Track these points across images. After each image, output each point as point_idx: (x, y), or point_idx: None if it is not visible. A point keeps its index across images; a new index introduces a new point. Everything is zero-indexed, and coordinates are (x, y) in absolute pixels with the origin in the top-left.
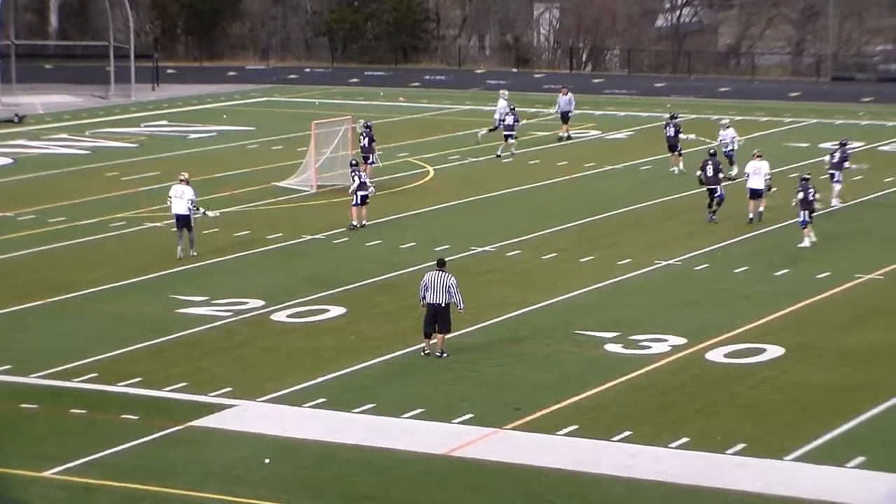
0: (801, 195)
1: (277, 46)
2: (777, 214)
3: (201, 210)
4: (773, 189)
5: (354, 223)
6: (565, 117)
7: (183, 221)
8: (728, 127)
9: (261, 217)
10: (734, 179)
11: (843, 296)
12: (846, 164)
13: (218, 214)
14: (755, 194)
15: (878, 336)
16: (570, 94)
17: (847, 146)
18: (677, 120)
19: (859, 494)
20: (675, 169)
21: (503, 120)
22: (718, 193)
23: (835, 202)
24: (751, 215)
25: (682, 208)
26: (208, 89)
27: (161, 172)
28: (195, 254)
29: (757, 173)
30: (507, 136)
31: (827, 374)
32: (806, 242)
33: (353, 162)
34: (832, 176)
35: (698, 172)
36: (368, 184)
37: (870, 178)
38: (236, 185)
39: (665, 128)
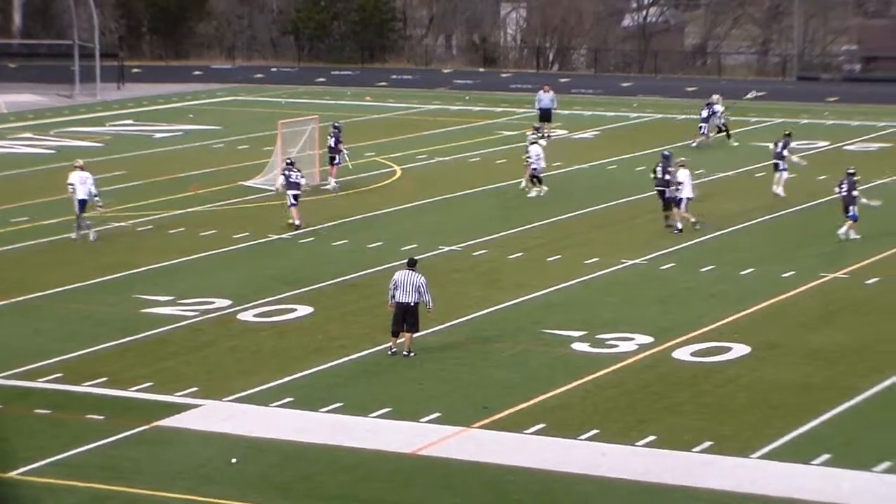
0: (844, 189)
1: (243, 45)
2: (742, 215)
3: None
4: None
5: (297, 223)
6: (546, 115)
7: (83, 206)
8: (718, 102)
9: (227, 216)
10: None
11: (809, 294)
12: (786, 154)
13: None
14: (676, 203)
15: (843, 334)
16: (552, 92)
17: (790, 138)
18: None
19: (825, 492)
20: (778, 189)
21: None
22: (667, 195)
23: (779, 191)
24: (678, 224)
25: (648, 207)
26: (174, 88)
27: (127, 172)
28: (94, 239)
29: (686, 182)
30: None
31: (792, 373)
32: (852, 234)
33: (289, 161)
34: (776, 166)
35: (651, 175)
36: (302, 182)
37: (835, 178)
38: (202, 185)
39: (775, 145)
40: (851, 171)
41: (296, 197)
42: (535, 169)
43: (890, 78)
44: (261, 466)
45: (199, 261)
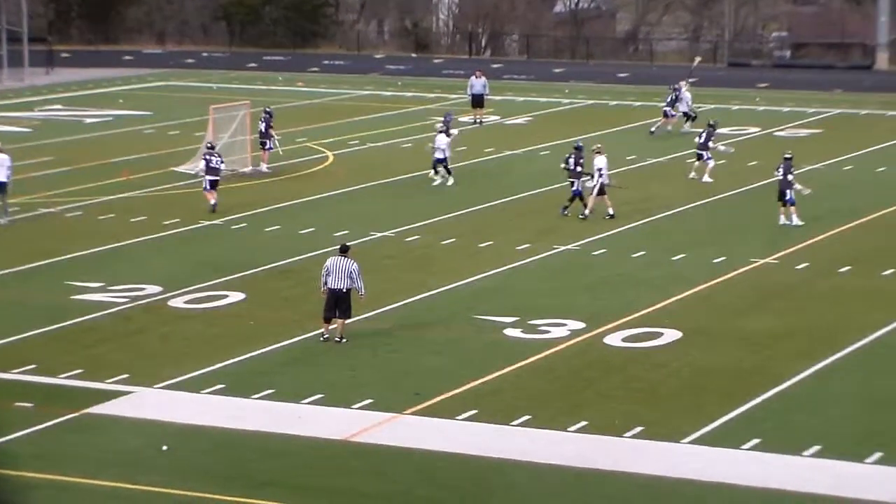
0: (780, 173)
1: (174, 30)
2: (673, 201)
3: None
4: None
5: (213, 203)
6: (479, 100)
7: (3, 189)
8: (686, 90)
9: (158, 202)
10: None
11: (739, 280)
12: (710, 144)
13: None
14: (601, 190)
15: (773, 320)
16: (483, 78)
17: (715, 128)
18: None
19: (755, 476)
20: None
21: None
22: (575, 188)
23: (705, 178)
24: (610, 210)
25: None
26: (104, 73)
27: (56, 158)
28: (4, 222)
29: (604, 168)
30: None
31: (723, 358)
32: (795, 220)
33: (210, 145)
34: (700, 156)
35: (562, 165)
36: (222, 168)
37: (767, 164)
38: (133, 171)
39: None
40: (788, 155)
41: (213, 183)
42: (440, 159)
43: (819, 64)
44: (192, 453)
45: (130, 247)
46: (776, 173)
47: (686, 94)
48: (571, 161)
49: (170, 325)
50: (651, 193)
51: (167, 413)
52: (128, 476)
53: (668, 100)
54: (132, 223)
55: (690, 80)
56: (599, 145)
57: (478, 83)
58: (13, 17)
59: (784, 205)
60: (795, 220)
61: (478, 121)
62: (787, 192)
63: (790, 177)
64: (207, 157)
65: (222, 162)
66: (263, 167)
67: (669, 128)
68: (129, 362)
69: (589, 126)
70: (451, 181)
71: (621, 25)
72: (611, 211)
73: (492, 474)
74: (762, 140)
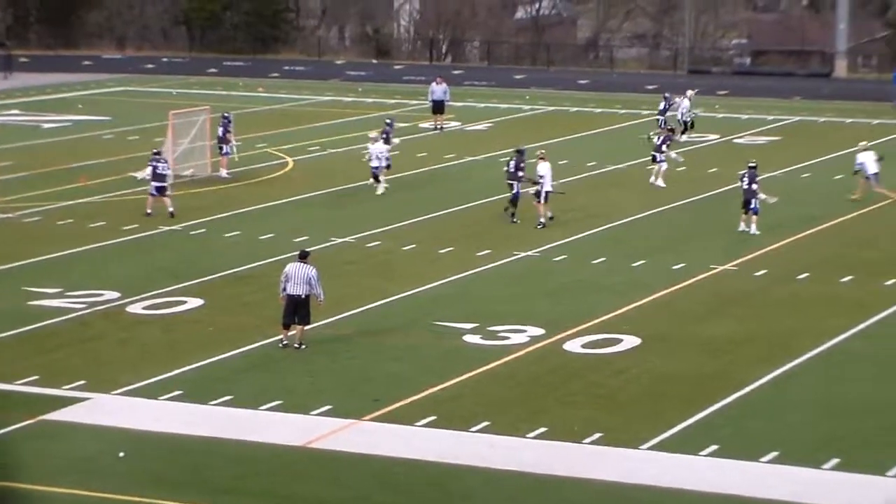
0: (745, 182)
1: (134, 35)
2: (633, 207)
3: None
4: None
5: (149, 211)
6: (440, 107)
7: None
8: (690, 100)
9: (116, 208)
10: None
11: (699, 286)
12: (664, 149)
13: None
14: (545, 197)
15: (732, 326)
16: (444, 84)
17: (672, 134)
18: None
19: (711, 482)
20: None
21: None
22: (515, 191)
23: (659, 182)
24: (541, 219)
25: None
26: (63, 78)
27: (14, 163)
28: None
29: (547, 175)
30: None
31: (682, 364)
32: (753, 229)
33: (156, 151)
34: (654, 157)
35: (504, 168)
36: (169, 174)
37: (726, 171)
38: (92, 176)
39: (741, 179)
40: (753, 164)
41: (160, 189)
42: (375, 168)
43: (779, 72)
44: (149, 460)
45: (88, 252)
46: (741, 182)
47: (685, 102)
48: (512, 164)
49: (128, 330)
50: (611, 200)
51: (124, 419)
52: (84, 483)
53: (661, 108)
54: (91, 228)
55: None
56: (543, 151)
57: (438, 89)
58: None
59: (747, 213)
60: (753, 229)
61: (438, 127)
62: (753, 200)
63: (755, 185)
64: (154, 163)
65: (168, 168)
66: (223, 172)
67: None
68: (87, 368)
69: (549, 132)
70: (380, 190)
71: (582, 32)
72: (542, 220)
73: (450, 480)
74: (722, 147)
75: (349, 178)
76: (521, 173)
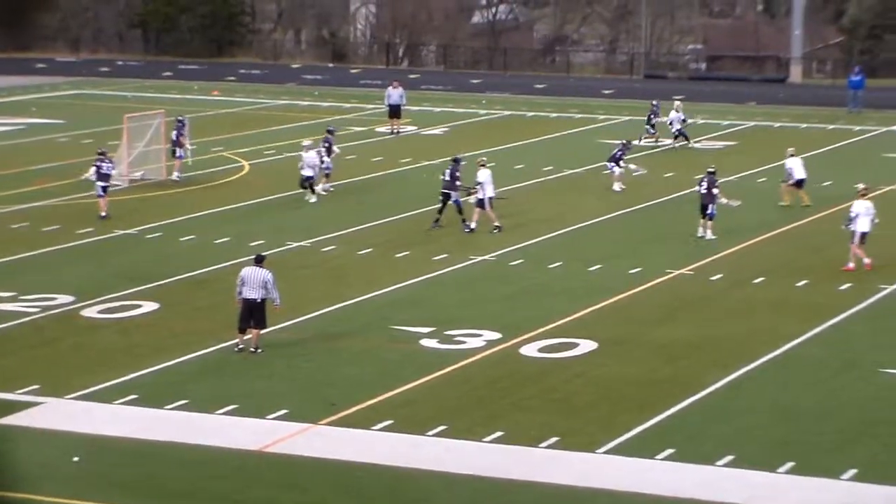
0: (704, 187)
1: (89, 38)
2: (590, 211)
3: None
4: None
5: (104, 214)
6: (396, 111)
7: None
8: (678, 111)
9: (71, 211)
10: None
11: (655, 291)
12: (622, 164)
13: None
14: (480, 203)
15: (688, 330)
16: (401, 88)
17: (628, 146)
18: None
19: (667, 485)
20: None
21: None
22: (453, 199)
23: (616, 187)
24: (472, 225)
25: (495, 203)
26: (16, 81)
27: None
28: None
29: (487, 181)
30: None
31: (638, 368)
32: (709, 234)
33: (101, 151)
34: (609, 167)
35: (441, 175)
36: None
37: (682, 176)
38: (46, 179)
39: (699, 184)
40: (712, 169)
41: (105, 189)
42: (308, 178)
43: (734, 77)
44: (104, 465)
45: (42, 256)
46: (699, 187)
47: (673, 113)
48: (447, 173)
49: (82, 335)
50: (568, 204)
51: (79, 424)
52: (37, 488)
53: (648, 116)
54: (45, 232)
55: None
56: (483, 158)
57: (395, 94)
58: None
59: (704, 218)
60: (709, 235)
61: (395, 131)
62: (710, 206)
63: (715, 190)
64: (98, 163)
65: (113, 168)
66: (174, 175)
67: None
68: (41, 373)
69: (506, 137)
70: (313, 199)
71: (539, 37)
72: (472, 225)
73: (407, 484)
74: (678, 152)
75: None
76: (458, 182)
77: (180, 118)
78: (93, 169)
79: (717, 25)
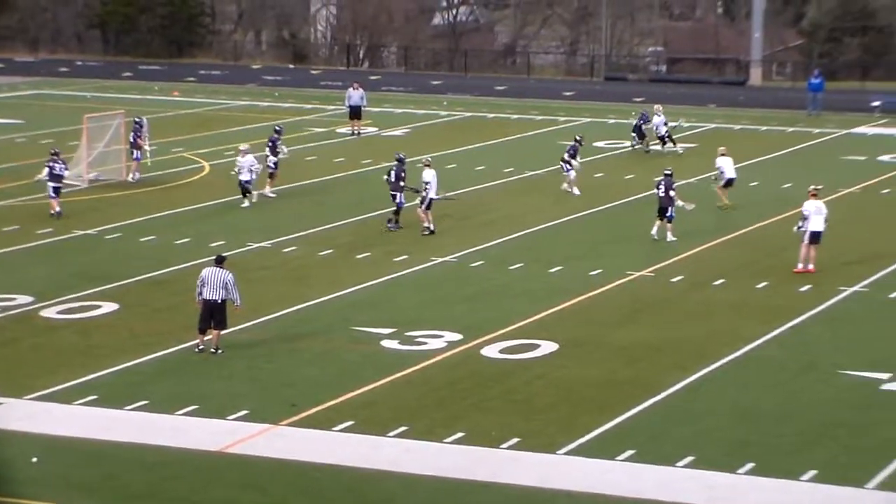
0: (661, 190)
1: (48, 38)
2: (551, 213)
3: None
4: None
5: (58, 210)
6: (356, 112)
7: None
8: (659, 115)
9: (30, 212)
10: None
11: (615, 292)
12: (575, 162)
13: None
14: (427, 204)
15: (648, 332)
16: (361, 90)
17: (579, 143)
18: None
19: (628, 486)
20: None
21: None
22: (398, 200)
23: (574, 189)
24: (427, 225)
25: (456, 205)
26: None
27: None
28: None
29: (432, 182)
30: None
31: (599, 370)
32: (669, 236)
33: (54, 152)
34: (563, 166)
35: (385, 176)
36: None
37: (642, 177)
38: (5, 180)
39: (657, 186)
40: (669, 171)
41: (56, 189)
42: (246, 182)
43: (695, 79)
44: (62, 466)
45: (1, 256)
46: (657, 190)
47: (656, 118)
48: (393, 174)
49: (42, 335)
50: (528, 206)
51: (38, 425)
52: None
53: (637, 125)
54: (3, 232)
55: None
56: (429, 159)
57: (355, 95)
58: None
59: (662, 220)
60: (670, 237)
61: (356, 132)
62: (669, 208)
63: (672, 193)
64: (51, 163)
65: (66, 168)
66: (131, 176)
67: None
68: (0, 373)
69: (467, 138)
70: (245, 203)
71: (499, 38)
72: (431, 227)
73: (368, 485)
74: (637, 154)
75: (265, 183)
76: (402, 182)
77: (138, 119)
78: (46, 170)
79: (677, 28)
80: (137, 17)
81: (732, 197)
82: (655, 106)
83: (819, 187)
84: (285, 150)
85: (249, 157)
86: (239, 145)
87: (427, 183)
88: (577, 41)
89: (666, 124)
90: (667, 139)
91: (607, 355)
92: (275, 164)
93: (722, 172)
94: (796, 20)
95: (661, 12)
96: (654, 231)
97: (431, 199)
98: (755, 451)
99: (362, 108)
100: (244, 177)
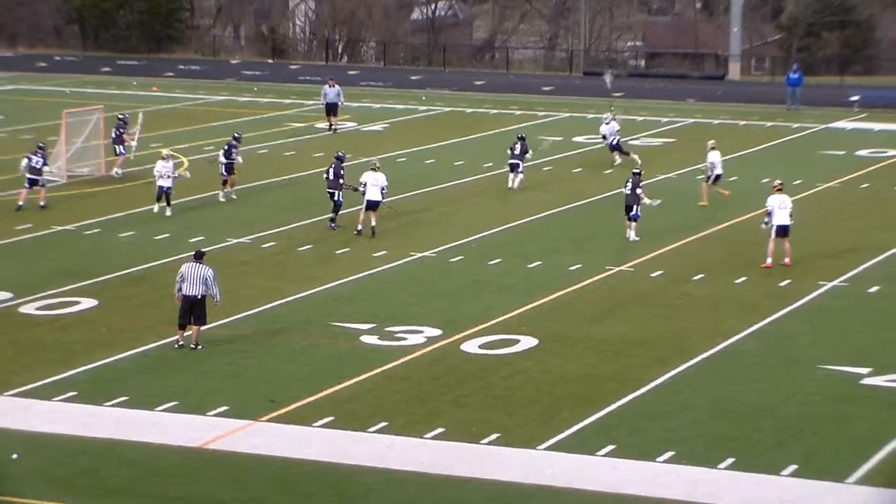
0: (629, 188)
1: (26, 33)
2: (530, 208)
3: None
4: (392, 208)
5: (21, 204)
6: (332, 108)
7: None
8: (610, 121)
9: (8, 207)
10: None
11: (595, 287)
12: (527, 155)
13: None
14: (371, 206)
15: (627, 327)
16: (337, 86)
17: (525, 141)
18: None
19: (608, 481)
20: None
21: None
22: (337, 198)
23: (515, 185)
24: (360, 227)
25: (436, 200)
26: None
27: None
28: None
29: (375, 184)
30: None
31: (578, 365)
32: (632, 235)
33: (40, 145)
34: (513, 167)
35: (324, 175)
36: (48, 170)
37: (621, 173)
38: None
39: (626, 184)
40: (637, 170)
41: (32, 182)
42: (167, 188)
43: (673, 74)
44: (42, 462)
45: None
46: (624, 189)
47: (604, 127)
48: (331, 172)
49: (20, 331)
50: (507, 201)
51: (18, 421)
52: None
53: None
54: None
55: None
56: (376, 162)
57: (331, 92)
58: None
59: (629, 219)
60: (632, 236)
61: (332, 128)
62: (635, 206)
63: (638, 191)
64: (30, 155)
65: (43, 163)
66: (115, 171)
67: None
68: None
69: (446, 133)
70: (168, 212)
71: (478, 33)
72: (360, 227)
73: (348, 481)
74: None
75: (245, 177)
76: (341, 180)
77: (121, 115)
78: (24, 161)
79: (655, 22)
80: (116, 13)
81: (687, 193)
82: (606, 115)
83: (782, 182)
84: (240, 159)
85: (169, 164)
86: (161, 150)
87: (364, 183)
88: (555, 36)
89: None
90: (614, 148)
91: (587, 350)
92: (227, 168)
93: (714, 166)
94: (775, 15)
95: (639, 7)
96: (627, 232)
97: (370, 201)
98: (735, 446)
99: (339, 105)
100: (162, 183)
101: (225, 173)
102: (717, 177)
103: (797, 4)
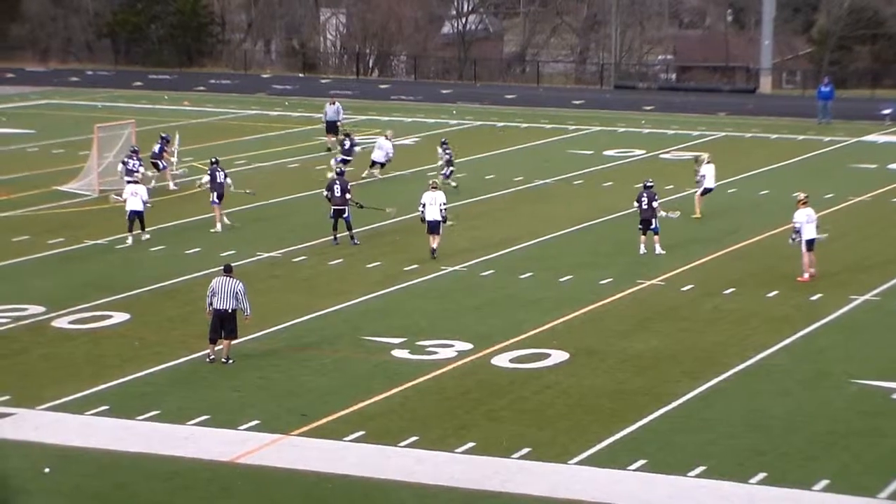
0: (644, 202)
1: (58, 48)
2: (560, 222)
3: None
4: (451, 223)
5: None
6: (332, 127)
7: None
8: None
9: (41, 221)
10: None
11: (626, 301)
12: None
13: None
14: (432, 228)
15: (658, 341)
16: (337, 104)
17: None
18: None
19: (640, 496)
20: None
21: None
22: (346, 215)
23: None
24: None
25: (468, 214)
26: None
27: None
28: None
29: (433, 204)
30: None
31: (609, 379)
32: (657, 249)
33: (133, 149)
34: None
35: (326, 192)
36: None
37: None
38: (15, 189)
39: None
40: (650, 183)
41: (130, 180)
42: (138, 211)
43: (704, 88)
44: (74, 476)
45: (12, 267)
46: (637, 204)
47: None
48: (337, 188)
49: (53, 345)
50: (538, 215)
51: (50, 435)
52: (10, 500)
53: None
54: (14, 242)
55: None
56: (436, 182)
57: (331, 110)
58: None
59: (645, 233)
60: (658, 250)
61: (329, 148)
62: (653, 220)
63: (655, 204)
64: (125, 160)
65: (140, 165)
66: (170, 184)
67: None
68: (11, 383)
69: (477, 147)
70: (145, 236)
71: (508, 47)
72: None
73: (378, 495)
74: (648, 162)
75: (275, 192)
76: (348, 196)
77: (163, 134)
78: (120, 166)
79: (686, 36)
80: (147, 27)
81: (719, 206)
82: (389, 132)
83: (807, 196)
84: (229, 181)
85: (141, 187)
86: (118, 166)
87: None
88: (586, 49)
89: (354, 147)
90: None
91: (618, 364)
92: (218, 197)
93: (703, 178)
94: (806, 28)
95: (670, 21)
96: (641, 248)
97: (430, 222)
98: (767, 461)
99: (338, 123)
100: (135, 206)
101: (217, 201)
102: (707, 190)
103: (828, 18)
